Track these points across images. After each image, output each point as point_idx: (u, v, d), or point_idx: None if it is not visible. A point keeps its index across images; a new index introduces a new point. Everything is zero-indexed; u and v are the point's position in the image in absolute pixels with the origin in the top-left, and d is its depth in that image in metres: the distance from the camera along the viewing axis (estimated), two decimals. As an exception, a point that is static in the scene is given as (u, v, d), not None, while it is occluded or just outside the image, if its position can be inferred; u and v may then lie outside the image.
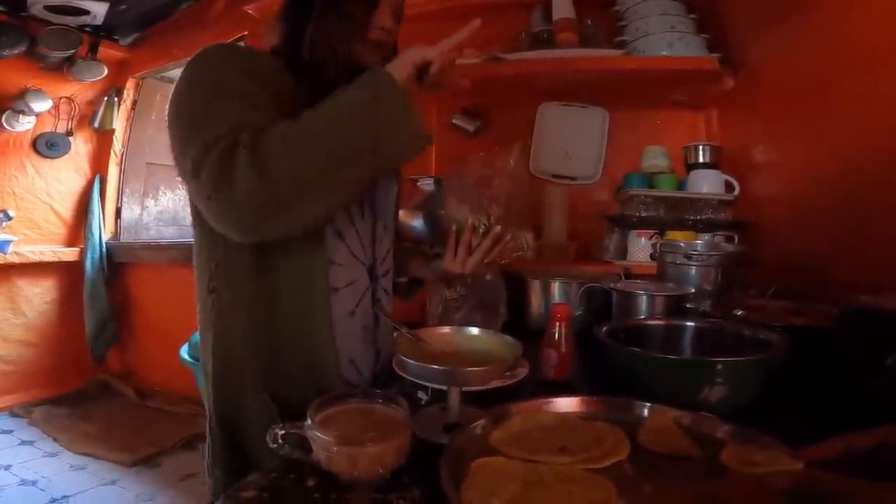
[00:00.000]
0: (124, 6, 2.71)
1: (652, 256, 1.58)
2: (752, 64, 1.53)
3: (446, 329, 0.81)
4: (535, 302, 1.40)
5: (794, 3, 1.29)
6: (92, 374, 3.16)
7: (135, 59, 3.17)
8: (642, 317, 1.08)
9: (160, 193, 3.41)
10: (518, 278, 1.42)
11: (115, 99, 3.14)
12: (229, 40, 2.50)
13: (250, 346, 0.81)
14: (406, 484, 0.54)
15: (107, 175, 3.19)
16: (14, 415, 2.77)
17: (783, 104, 1.40)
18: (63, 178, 3.11)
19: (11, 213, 2.81)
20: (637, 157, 1.83)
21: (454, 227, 1.03)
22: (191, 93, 0.74)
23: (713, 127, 1.80)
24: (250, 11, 2.12)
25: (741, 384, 0.72)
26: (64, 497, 2.01)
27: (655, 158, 1.79)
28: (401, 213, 1.37)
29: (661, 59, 1.56)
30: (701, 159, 1.70)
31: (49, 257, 2.96)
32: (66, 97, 3.01)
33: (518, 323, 1.36)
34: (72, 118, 3.07)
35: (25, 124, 2.88)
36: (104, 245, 3.09)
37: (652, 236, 1.62)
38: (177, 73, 3.06)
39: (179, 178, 0.73)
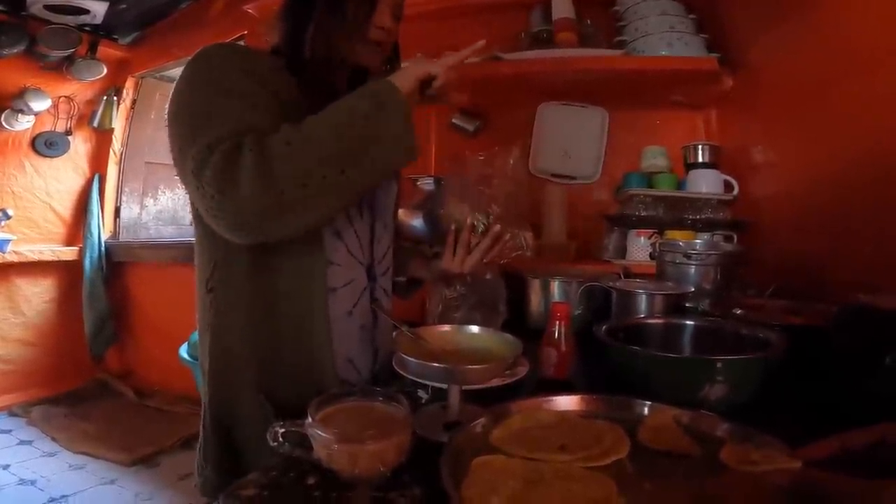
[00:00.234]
0: (124, 5, 2.71)
1: (651, 256, 1.58)
2: (752, 64, 1.53)
3: (446, 328, 0.82)
4: (535, 301, 1.40)
5: (793, 3, 1.30)
6: (91, 374, 3.15)
7: (134, 59, 3.16)
8: (642, 316, 1.08)
9: (159, 193, 3.40)
10: (518, 277, 1.42)
11: (115, 98, 3.14)
12: (229, 39, 2.49)
13: (248, 345, 0.81)
14: (406, 482, 0.54)
15: (106, 174, 3.19)
16: (13, 414, 2.77)
17: (782, 104, 1.40)
18: (62, 177, 3.11)
19: (10, 212, 2.81)
20: (636, 157, 1.83)
21: (453, 227, 1.04)
22: (191, 92, 0.74)
23: (712, 127, 1.80)
24: (250, 11, 2.12)
25: (740, 383, 0.72)
26: (63, 496, 2.01)
27: (655, 158, 1.79)
28: (400, 212, 1.37)
29: (661, 59, 1.57)
30: (700, 159, 1.70)
31: (48, 256, 2.96)
32: (65, 96, 3.01)
33: (518, 322, 1.36)
34: (71, 117, 3.07)
35: (25, 123, 2.87)
36: (103, 244, 3.09)
37: (651, 236, 1.62)
38: (176, 72, 3.07)
39: (179, 177, 0.73)
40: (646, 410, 0.63)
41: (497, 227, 1.02)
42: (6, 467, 2.22)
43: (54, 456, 2.36)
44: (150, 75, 3.23)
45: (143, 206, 3.36)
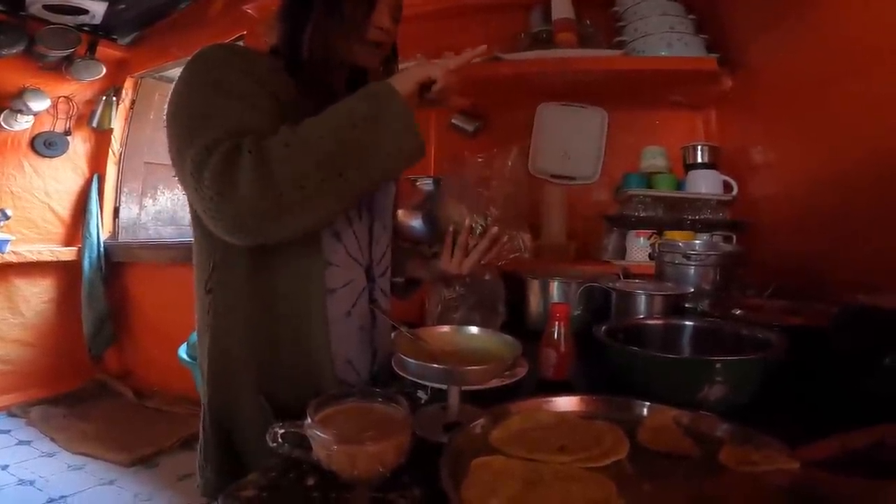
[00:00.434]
0: (123, 6, 2.70)
1: (650, 256, 1.59)
2: (751, 64, 1.53)
3: (445, 328, 0.82)
4: (534, 301, 1.40)
5: (792, 3, 1.30)
6: (90, 374, 3.15)
7: (133, 59, 3.16)
8: (641, 316, 1.08)
9: (158, 193, 3.40)
10: (517, 278, 1.42)
11: (114, 98, 3.13)
12: (228, 40, 2.49)
13: (247, 346, 0.81)
14: (406, 483, 0.54)
15: (105, 174, 3.19)
16: (11, 414, 2.77)
17: (782, 104, 1.40)
18: (61, 177, 3.10)
19: (9, 212, 2.80)
20: (636, 158, 1.83)
21: (451, 228, 1.04)
22: (189, 92, 0.74)
23: (712, 127, 1.80)
24: (249, 11, 2.12)
25: (740, 383, 0.73)
26: (62, 497, 2.01)
27: (654, 158, 1.79)
28: (400, 212, 1.37)
29: (660, 59, 1.57)
30: (699, 159, 1.70)
31: (47, 257, 2.96)
32: (64, 96, 3.01)
33: (517, 322, 1.36)
34: (70, 117, 3.07)
35: (24, 123, 2.87)
36: (102, 244, 3.09)
37: (650, 236, 1.62)
38: (175, 72, 3.07)
39: (177, 178, 0.73)
40: (645, 411, 0.63)
41: (495, 229, 1.02)
42: (5, 468, 2.22)
43: (53, 456, 2.36)
44: (149, 75, 3.23)
45: (142, 207, 3.35)
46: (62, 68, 2.89)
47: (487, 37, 1.79)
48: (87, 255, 3.03)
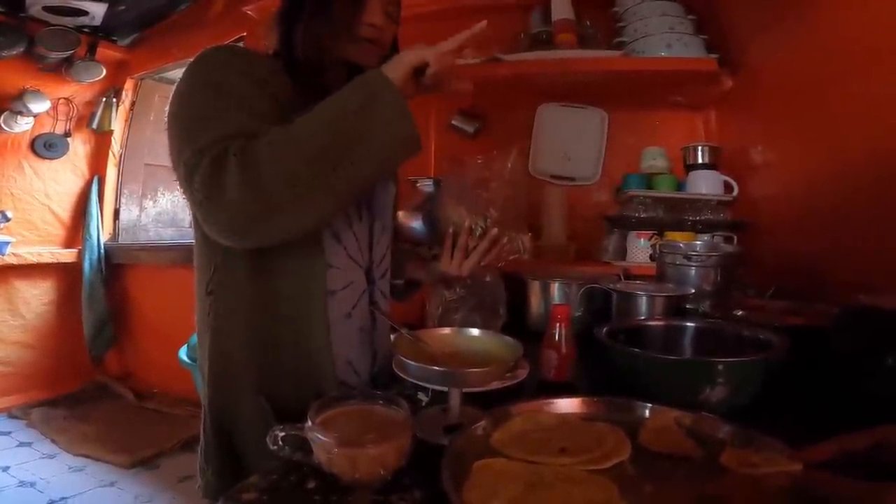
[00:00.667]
0: (123, 7, 2.71)
1: (651, 257, 1.58)
2: (751, 65, 1.53)
3: (446, 330, 0.82)
4: (535, 303, 1.40)
5: (791, 4, 1.30)
6: (90, 376, 3.15)
7: (133, 60, 3.16)
8: (642, 317, 1.08)
9: (158, 195, 3.40)
10: (518, 279, 1.42)
11: (114, 100, 3.14)
12: (228, 41, 2.49)
13: (247, 348, 0.81)
14: (407, 485, 0.54)
15: (105, 176, 3.19)
16: (12, 416, 2.77)
17: (781, 105, 1.40)
18: (61, 179, 3.11)
19: (9, 214, 2.80)
20: (636, 158, 1.83)
21: (451, 230, 1.04)
22: (189, 95, 0.74)
23: (712, 127, 1.80)
24: (249, 12, 2.12)
25: (741, 384, 0.72)
26: (62, 499, 2.01)
27: (654, 159, 1.79)
28: (400, 213, 1.37)
29: (660, 59, 1.57)
30: (700, 160, 1.70)
31: (47, 259, 2.96)
32: (64, 98, 3.01)
33: (518, 324, 1.36)
34: (70, 119, 3.07)
35: (24, 125, 2.87)
36: (102, 246, 3.09)
37: (651, 237, 1.62)
38: (175, 73, 3.08)
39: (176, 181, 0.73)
40: (647, 412, 0.63)
41: (495, 231, 1.02)
42: (6, 469, 2.22)
43: (54, 458, 2.36)
44: (149, 77, 3.23)
45: (142, 208, 3.36)
46: (62, 70, 2.89)
47: (487, 37, 1.80)
48: (87, 256, 3.03)
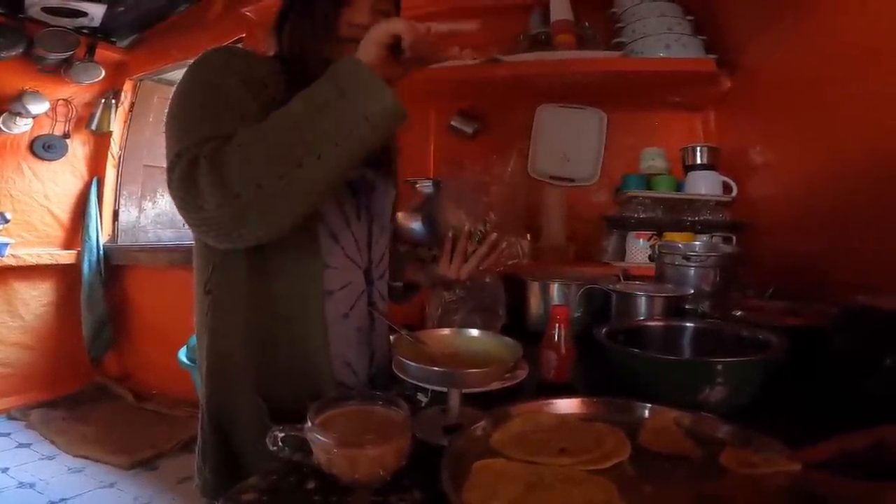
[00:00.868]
0: (122, 8, 2.71)
1: (650, 258, 1.58)
2: (749, 65, 1.53)
3: (446, 331, 0.82)
4: (535, 304, 1.40)
5: (790, 4, 1.30)
6: (89, 377, 3.15)
7: (132, 62, 3.16)
8: (641, 318, 1.08)
9: (158, 196, 3.40)
10: (517, 280, 1.42)
11: (113, 101, 3.14)
12: (227, 42, 2.49)
13: (245, 347, 0.81)
14: (406, 486, 0.54)
15: (104, 177, 3.19)
16: (11, 417, 2.76)
17: (780, 105, 1.40)
18: (60, 180, 3.10)
19: (8, 215, 2.80)
20: (635, 159, 1.83)
21: (450, 234, 1.04)
22: (184, 96, 0.75)
23: (711, 128, 1.80)
24: (248, 13, 2.12)
25: (741, 384, 0.72)
26: (62, 500, 2.01)
27: (653, 160, 1.79)
28: (399, 215, 1.37)
29: (659, 60, 1.57)
30: (698, 160, 1.70)
31: (46, 260, 2.96)
32: (63, 99, 3.01)
33: (517, 325, 1.36)
34: (69, 120, 3.07)
35: (22, 126, 2.87)
36: (101, 248, 3.09)
37: (650, 237, 1.62)
38: (174, 75, 3.08)
39: None
40: (646, 413, 0.63)
41: (494, 235, 1.02)
42: (5, 470, 2.22)
43: (53, 459, 2.35)
44: (148, 78, 3.23)
45: (141, 210, 3.36)
46: (61, 71, 2.89)
47: (486, 39, 1.80)
48: (86, 258, 3.03)
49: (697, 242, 1.42)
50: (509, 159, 1.09)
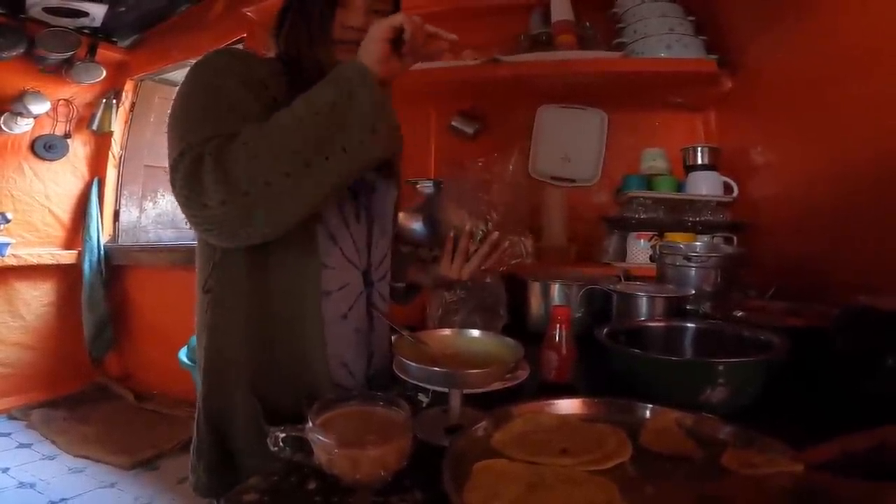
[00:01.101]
0: (123, 8, 2.71)
1: (651, 258, 1.58)
2: (750, 65, 1.53)
3: (446, 331, 0.82)
4: (535, 304, 1.40)
5: (791, 4, 1.30)
6: (90, 377, 3.15)
7: (133, 62, 3.17)
8: (642, 318, 1.08)
9: (158, 196, 3.40)
10: (518, 281, 1.42)
11: (114, 101, 3.14)
12: (228, 43, 2.50)
13: (243, 345, 0.82)
14: (407, 486, 0.54)
15: (105, 177, 3.19)
16: (12, 417, 2.76)
17: (781, 105, 1.40)
18: (61, 180, 3.11)
19: (9, 215, 2.80)
20: (636, 159, 1.83)
21: (451, 234, 1.03)
22: (185, 97, 0.75)
23: (711, 128, 1.80)
24: (249, 14, 2.12)
25: (742, 385, 0.72)
26: (62, 500, 2.01)
27: (654, 160, 1.79)
28: (400, 215, 1.37)
29: (660, 60, 1.57)
30: (699, 161, 1.70)
31: (47, 260, 2.96)
32: (64, 99, 3.01)
33: (518, 325, 1.36)
34: (70, 120, 3.07)
35: (24, 126, 2.88)
36: (102, 248, 3.09)
37: (651, 238, 1.62)
38: (175, 75, 3.09)
39: None
40: (647, 413, 0.63)
41: (495, 235, 1.02)
42: (5, 470, 2.22)
43: (54, 459, 2.35)
44: (149, 78, 3.24)
45: (142, 210, 3.36)
46: (62, 71, 2.90)
47: (487, 39, 1.80)
48: (87, 258, 3.03)
49: (698, 243, 1.42)
50: (510, 158, 1.08)
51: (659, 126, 1.87)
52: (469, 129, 1.97)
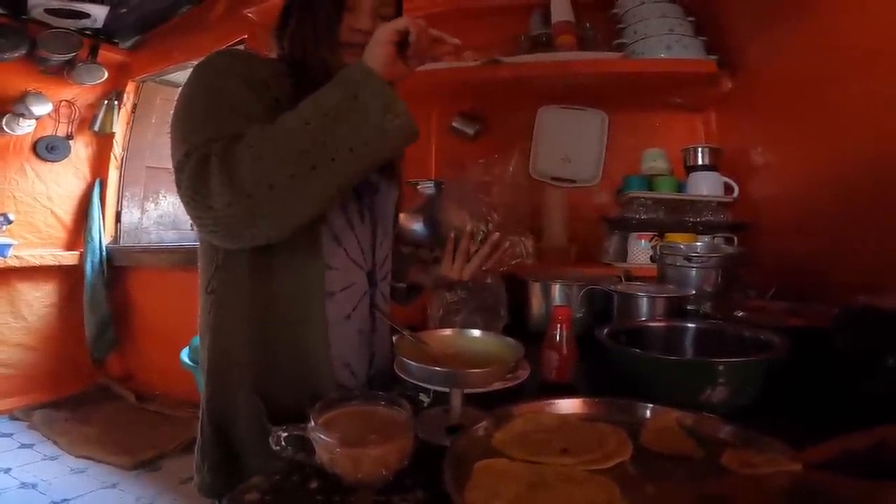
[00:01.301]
0: (124, 9, 2.72)
1: (652, 258, 1.58)
2: (750, 66, 1.53)
3: (447, 331, 0.82)
4: (536, 304, 1.40)
5: (791, 5, 1.30)
6: (92, 378, 3.15)
7: (135, 63, 3.17)
8: (643, 318, 1.08)
9: (160, 197, 3.41)
10: (519, 281, 1.42)
11: (116, 102, 3.15)
12: (229, 44, 2.51)
13: (246, 346, 0.82)
14: (409, 486, 0.54)
15: (107, 179, 3.20)
16: (14, 418, 2.77)
17: (781, 106, 1.40)
18: (63, 181, 3.11)
19: (11, 216, 2.81)
20: (636, 160, 1.83)
21: (452, 234, 1.04)
22: (188, 98, 0.75)
23: (712, 129, 1.80)
24: (250, 15, 2.12)
25: (742, 385, 0.73)
26: (64, 500, 2.01)
27: (655, 161, 1.79)
28: (401, 216, 1.37)
29: (660, 61, 1.57)
30: (700, 161, 1.70)
31: (49, 261, 2.96)
32: (66, 100, 3.02)
33: (519, 325, 1.36)
34: (72, 121, 3.08)
35: (26, 128, 2.88)
36: (104, 249, 3.09)
37: (652, 238, 1.62)
38: (177, 76, 3.09)
39: None
40: (648, 413, 0.63)
41: (496, 235, 1.02)
42: (7, 471, 2.22)
43: (55, 460, 2.36)
44: (150, 79, 3.24)
45: (143, 211, 3.36)
46: (64, 72, 2.90)
47: (487, 40, 1.80)
48: (89, 259, 3.04)
49: (699, 243, 1.42)
50: (511, 159, 1.08)
51: (659, 126, 1.87)
52: (470, 130, 1.97)
